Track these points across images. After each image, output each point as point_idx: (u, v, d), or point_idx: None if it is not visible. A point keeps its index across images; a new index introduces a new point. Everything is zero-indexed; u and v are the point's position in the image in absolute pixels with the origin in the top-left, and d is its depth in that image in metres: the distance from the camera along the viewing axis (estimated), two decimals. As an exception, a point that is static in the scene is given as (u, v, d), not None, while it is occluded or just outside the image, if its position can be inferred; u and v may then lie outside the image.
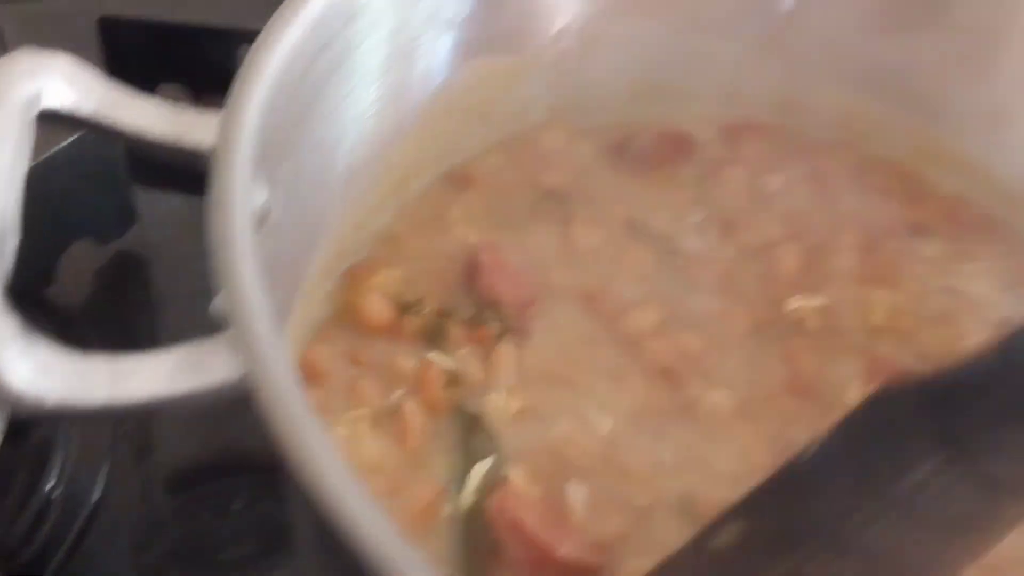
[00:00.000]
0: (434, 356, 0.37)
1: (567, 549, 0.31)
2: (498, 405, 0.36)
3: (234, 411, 0.54)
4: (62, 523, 0.50)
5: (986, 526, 0.26)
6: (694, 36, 0.46)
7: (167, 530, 0.50)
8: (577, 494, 0.33)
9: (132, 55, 0.65)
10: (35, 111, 0.26)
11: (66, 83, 0.27)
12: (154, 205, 0.64)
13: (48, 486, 0.50)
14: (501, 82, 0.43)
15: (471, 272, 0.40)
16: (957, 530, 0.26)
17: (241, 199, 0.26)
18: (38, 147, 0.55)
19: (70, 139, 0.56)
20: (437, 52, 0.40)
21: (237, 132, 0.27)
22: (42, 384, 0.21)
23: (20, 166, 0.25)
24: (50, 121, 0.28)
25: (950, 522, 0.26)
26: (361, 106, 0.37)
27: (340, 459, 0.22)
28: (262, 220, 0.29)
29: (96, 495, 0.51)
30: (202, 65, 0.64)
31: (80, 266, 0.59)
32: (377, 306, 0.38)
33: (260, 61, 0.29)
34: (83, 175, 0.58)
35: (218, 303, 0.25)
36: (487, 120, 0.44)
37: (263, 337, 0.23)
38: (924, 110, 0.46)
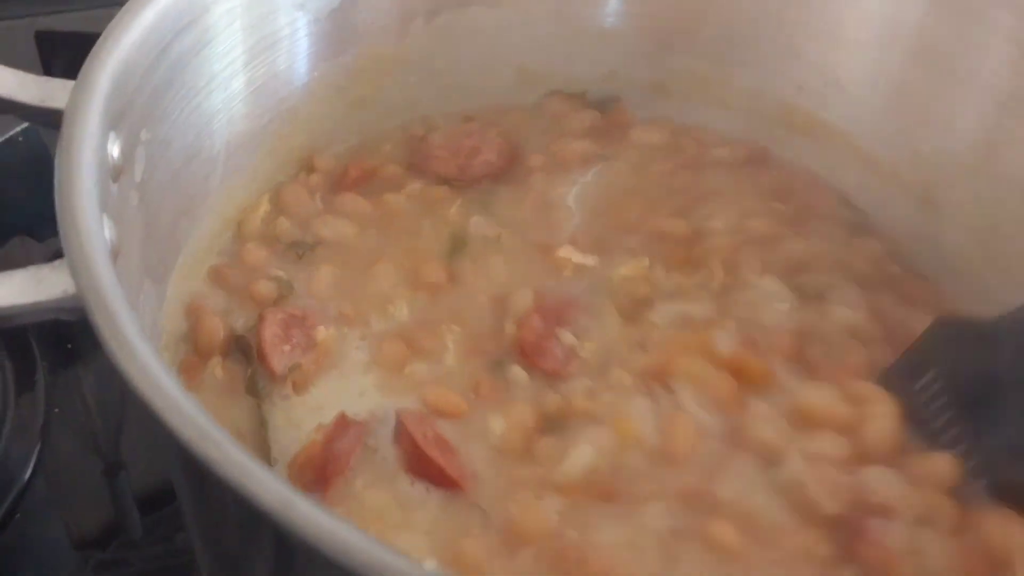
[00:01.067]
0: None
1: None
2: None
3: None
4: (-8, 497, 0.52)
5: None
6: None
7: (138, 551, 0.51)
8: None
9: (68, 65, 0.69)
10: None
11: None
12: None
13: (-23, 462, 0.53)
14: (374, 73, 0.47)
15: None
16: None
17: (85, 149, 0.30)
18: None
19: (1, 139, 0.60)
20: (302, 45, 0.44)
21: (86, 92, 0.31)
22: None
23: None
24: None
25: None
26: (230, 89, 0.41)
27: (157, 359, 0.25)
28: (117, 173, 0.32)
29: (27, 474, 0.54)
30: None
31: (19, 262, 0.62)
32: None
33: (114, 35, 0.33)
34: (18, 174, 0.61)
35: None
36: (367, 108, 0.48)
37: (93, 258, 0.27)
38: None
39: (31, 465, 0.55)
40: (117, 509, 0.54)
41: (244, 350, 0.40)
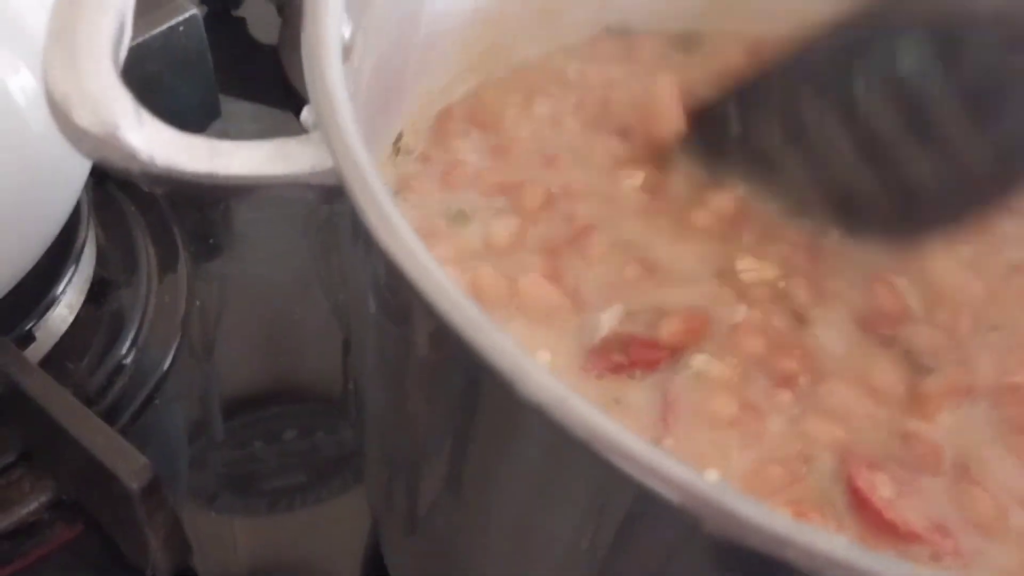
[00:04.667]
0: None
1: None
2: None
3: (291, 343, 0.57)
4: (134, 385, 0.54)
5: None
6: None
7: (219, 453, 0.53)
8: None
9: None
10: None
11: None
12: (236, 105, 0.67)
13: (123, 351, 0.54)
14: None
15: None
16: None
17: (330, 22, 0.29)
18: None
19: (160, 28, 0.59)
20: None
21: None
22: (153, 147, 0.24)
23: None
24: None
25: None
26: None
27: (418, 238, 0.24)
28: (347, 53, 0.32)
29: (166, 365, 0.55)
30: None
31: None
32: None
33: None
34: (171, 64, 0.61)
35: (307, 113, 0.28)
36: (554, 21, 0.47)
37: (348, 131, 0.26)
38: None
39: (171, 354, 0.56)
40: (203, 410, 0.55)
41: None
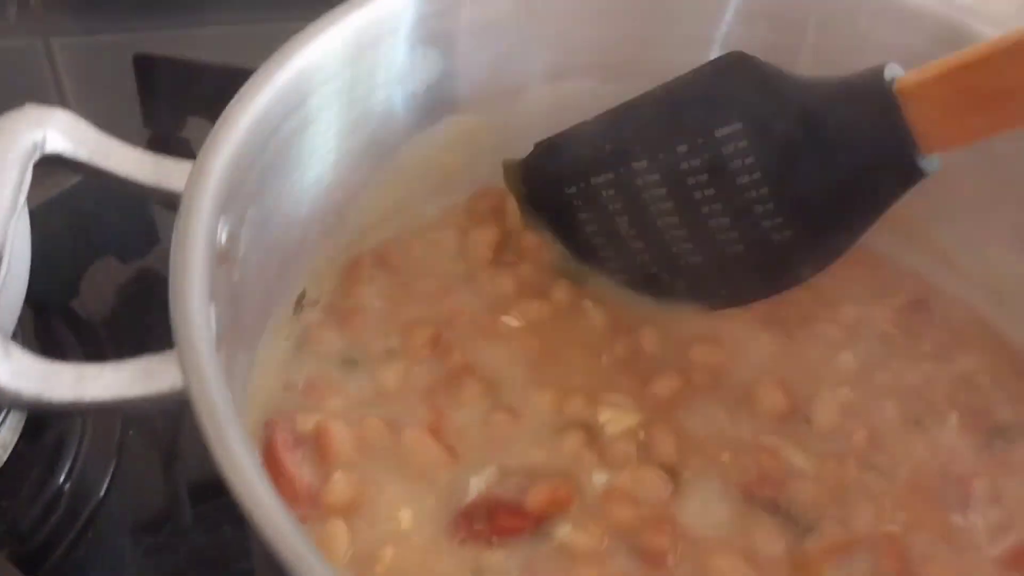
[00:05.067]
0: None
1: None
2: None
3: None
4: (70, 514, 0.54)
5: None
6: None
7: (188, 537, 0.53)
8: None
9: (164, 89, 0.71)
10: (37, 156, 0.31)
11: (64, 133, 0.32)
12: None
13: (59, 480, 0.55)
14: (458, 150, 0.48)
15: None
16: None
17: (199, 238, 0.31)
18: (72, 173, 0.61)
19: (99, 167, 0.61)
20: (393, 122, 0.44)
21: (203, 181, 0.32)
22: (20, 382, 0.26)
23: (20, 202, 0.30)
24: (50, 165, 0.33)
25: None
26: (326, 162, 0.42)
27: (257, 464, 0.27)
28: (224, 257, 0.34)
29: (102, 491, 0.56)
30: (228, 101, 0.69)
31: (104, 281, 0.64)
32: None
33: (229, 122, 0.34)
34: (111, 201, 0.63)
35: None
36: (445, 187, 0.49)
37: (201, 354, 0.28)
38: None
39: (106, 482, 0.57)
40: (170, 498, 0.56)
41: None
